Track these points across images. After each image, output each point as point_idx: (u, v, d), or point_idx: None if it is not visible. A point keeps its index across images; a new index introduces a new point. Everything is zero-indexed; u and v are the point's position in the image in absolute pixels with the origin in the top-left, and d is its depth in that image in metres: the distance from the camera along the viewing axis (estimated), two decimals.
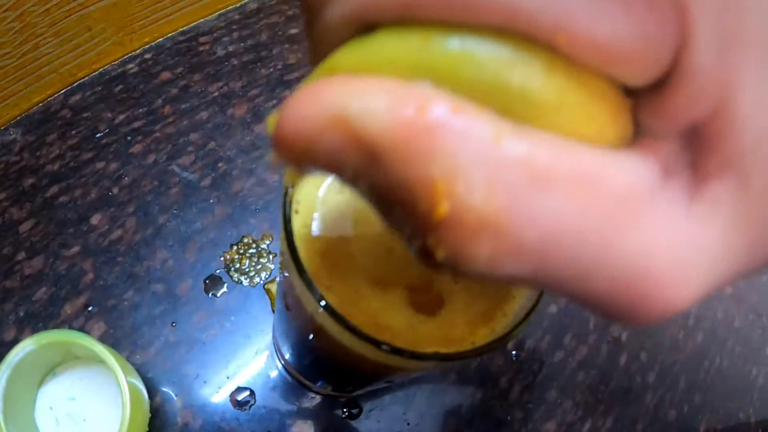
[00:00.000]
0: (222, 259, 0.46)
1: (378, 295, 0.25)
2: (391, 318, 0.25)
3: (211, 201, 0.48)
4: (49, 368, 0.37)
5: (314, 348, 0.31)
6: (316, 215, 0.27)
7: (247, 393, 0.42)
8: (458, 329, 0.25)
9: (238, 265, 0.46)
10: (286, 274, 0.27)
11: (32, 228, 0.43)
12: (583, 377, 0.49)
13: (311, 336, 0.28)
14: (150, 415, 0.38)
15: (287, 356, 0.41)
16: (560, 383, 0.49)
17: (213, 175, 0.49)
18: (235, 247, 0.46)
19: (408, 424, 0.44)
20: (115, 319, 0.42)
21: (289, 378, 0.43)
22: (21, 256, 0.42)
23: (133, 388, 0.34)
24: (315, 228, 0.26)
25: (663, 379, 0.52)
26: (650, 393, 0.51)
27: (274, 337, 0.44)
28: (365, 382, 0.34)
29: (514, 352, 0.49)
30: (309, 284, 0.22)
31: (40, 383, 0.37)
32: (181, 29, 0.54)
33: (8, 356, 0.32)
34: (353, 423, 0.43)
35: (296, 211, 0.26)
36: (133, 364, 0.40)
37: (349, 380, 0.35)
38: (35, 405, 0.36)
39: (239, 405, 0.41)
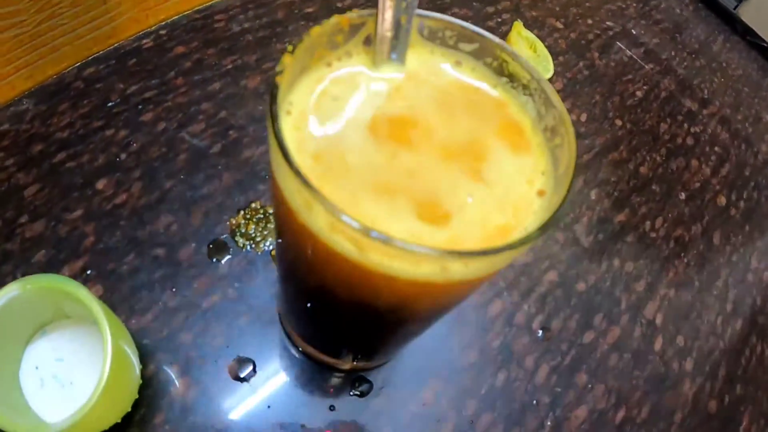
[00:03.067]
0: (228, 224, 0.41)
1: (377, 201, 0.20)
2: (391, 225, 0.20)
3: (220, 167, 0.44)
4: (39, 325, 0.33)
5: (310, 287, 0.26)
6: (310, 118, 0.22)
7: (248, 364, 0.37)
8: (471, 243, 0.20)
9: (243, 230, 0.41)
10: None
11: (37, 192, 0.40)
12: (615, 361, 0.43)
13: (308, 258, 0.23)
14: (141, 382, 0.34)
15: (290, 320, 0.36)
16: (591, 367, 0.42)
17: (223, 142, 0.45)
18: (242, 212, 0.42)
19: (423, 404, 0.39)
20: (113, 282, 0.38)
21: (293, 350, 0.38)
22: (23, 219, 0.39)
23: (118, 349, 0.29)
24: (307, 131, 0.22)
25: (702, 367, 0.45)
26: (688, 381, 0.44)
27: (278, 304, 0.39)
28: (368, 330, 0.29)
29: (540, 332, 0.43)
30: (299, 176, 0.18)
31: (28, 340, 0.33)
32: (197, 8, 0.51)
33: None
34: (362, 400, 0.38)
35: (288, 112, 0.22)
36: (129, 329, 0.36)
37: (351, 329, 0.30)
38: (21, 363, 0.32)
39: (239, 377, 0.36)
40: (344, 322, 0.29)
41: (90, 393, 0.29)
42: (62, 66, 0.46)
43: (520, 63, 0.24)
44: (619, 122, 0.58)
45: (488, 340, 0.42)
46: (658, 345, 0.45)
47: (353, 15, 0.24)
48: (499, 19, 0.60)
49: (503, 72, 0.25)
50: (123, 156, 0.43)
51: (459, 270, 0.19)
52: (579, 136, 0.55)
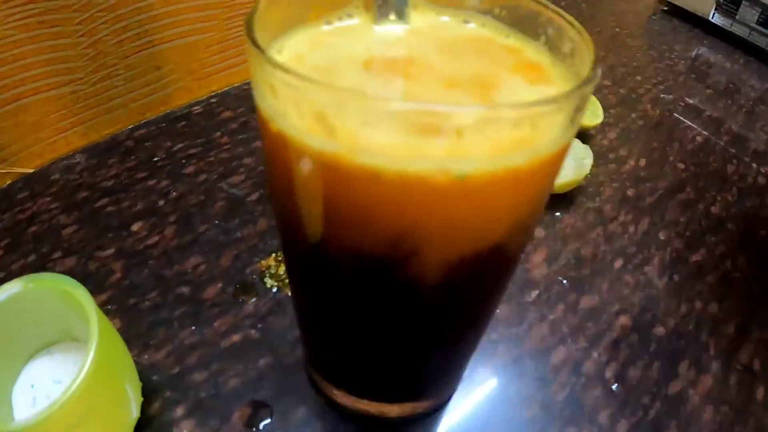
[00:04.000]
0: (258, 266, 0.39)
1: None
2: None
3: (255, 213, 0.42)
4: (43, 344, 0.30)
5: (309, 250, 0.22)
6: (302, 58, 0.20)
7: (264, 410, 0.32)
8: (478, 153, 0.16)
9: (273, 272, 0.38)
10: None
11: (74, 232, 0.40)
12: (711, 415, 0.34)
13: (293, 192, 0.20)
14: (138, 416, 0.29)
15: (313, 354, 0.32)
16: (681, 422, 0.34)
17: (261, 191, 0.44)
18: (273, 255, 0.40)
19: None
20: (132, 317, 0.35)
21: (319, 398, 0.33)
22: (57, 254, 0.38)
23: (105, 361, 0.25)
24: (298, 67, 0.20)
25: None
26: None
27: (301, 344, 0.34)
28: (397, 332, 0.24)
29: (615, 385, 0.35)
30: (261, 53, 0.15)
31: (30, 357, 0.30)
32: (247, 80, 0.54)
33: None
34: None
35: (279, 52, 0.20)
36: (139, 364, 0.32)
37: (376, 334, 0.25)
38: (18, 378, 0.29)
39: (252, 423, 0.31)
40: (366, 323, 0.24)
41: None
42: (116, 127, 0.48)
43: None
44: (681, 165, 0.52)
45: (552, 393, 0.35)
46: (760, 395, 0.35)
47: None
48: None
49: (515, 21, 0.23)
50: (161, 203, 0.42)
51: (460, 163, 0.15)
52: (640, 179, 0.50)
